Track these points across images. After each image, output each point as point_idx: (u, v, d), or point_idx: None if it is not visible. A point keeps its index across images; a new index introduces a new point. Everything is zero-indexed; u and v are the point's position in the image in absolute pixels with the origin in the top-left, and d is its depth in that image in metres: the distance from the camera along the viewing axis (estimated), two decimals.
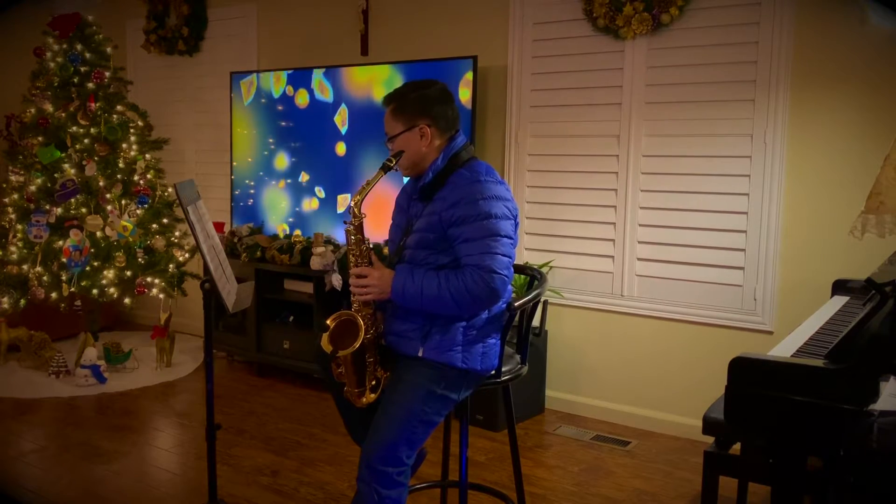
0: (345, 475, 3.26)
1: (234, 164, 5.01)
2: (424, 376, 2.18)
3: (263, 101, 4.82)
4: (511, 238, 2.19)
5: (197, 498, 3.03)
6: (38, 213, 4.48)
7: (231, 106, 4.99)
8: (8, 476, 3.26)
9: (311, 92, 4.60)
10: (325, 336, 2.19)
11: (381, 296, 2.20)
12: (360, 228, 2.24)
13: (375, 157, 4.30)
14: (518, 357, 2.51)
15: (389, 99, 2.30)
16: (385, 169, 2.23)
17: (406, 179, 2.46)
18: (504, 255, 2.13)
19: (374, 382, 2.26)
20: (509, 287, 2.22)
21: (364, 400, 2.26)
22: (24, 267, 4.49)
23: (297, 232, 4.68)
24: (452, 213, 2.15)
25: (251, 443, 3.63)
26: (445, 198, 2.19)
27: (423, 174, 2.26)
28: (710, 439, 2.38)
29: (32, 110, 4.68)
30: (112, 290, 4.50)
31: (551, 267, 4.06)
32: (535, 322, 2.60)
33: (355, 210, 2.23)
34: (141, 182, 4.73)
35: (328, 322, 2.21)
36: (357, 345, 2.15)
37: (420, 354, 2.20)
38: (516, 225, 2.26)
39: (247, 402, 4.21)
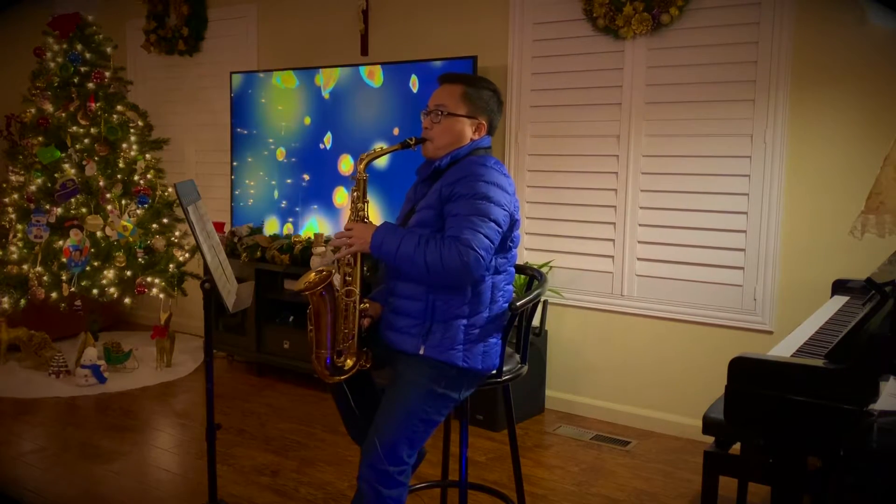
0: (345, 475, 3.26)
1: (235, 164, 5.02)
2: (425, 375, 2.18)
3: (264, 100, 4.82)
4: (500, 226, 2.16)
5: (197, 498, 3.03)
6: (38, 213, 4.48)
7: (231, 106, 4.99)
8: (8, 476, 3.26)
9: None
10: (302, 278, 2.22)
11: (362, 248, 2.23)
12: (360, 186, 2.28)
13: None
14: (518, 357, 2.51)
15: (462, 80, 2.33)
16: (405, 145, 2.28)
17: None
18: (486, 237, 2.11)
19: (349, 364, 2.23)
20: (486, 276, 2.20)
21: (329, 375, 2.23)
22: (24, 267, 4.49)
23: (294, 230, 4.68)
24: (451, 190, 2.17)
25: (251, 443, 3.63)
26: (448, 176, 2.22)
27: (442, 157, 2.28)
28: (710, 439, 2.38)
29: (32, 110, 4.68)
30: (112, 290, 4.50)
31: (551, 267, 4.06)
32: (535, 322, 2.60)
33: (360, 167, 2.27)
34: (141, 182, 4.73)
35: (312, 273, 2.25)
36: (322, 285, 2.18)
37: (421, 352, 2.19)
38: (517, 224, 2.26)
39: (247, 402, 4.21)
